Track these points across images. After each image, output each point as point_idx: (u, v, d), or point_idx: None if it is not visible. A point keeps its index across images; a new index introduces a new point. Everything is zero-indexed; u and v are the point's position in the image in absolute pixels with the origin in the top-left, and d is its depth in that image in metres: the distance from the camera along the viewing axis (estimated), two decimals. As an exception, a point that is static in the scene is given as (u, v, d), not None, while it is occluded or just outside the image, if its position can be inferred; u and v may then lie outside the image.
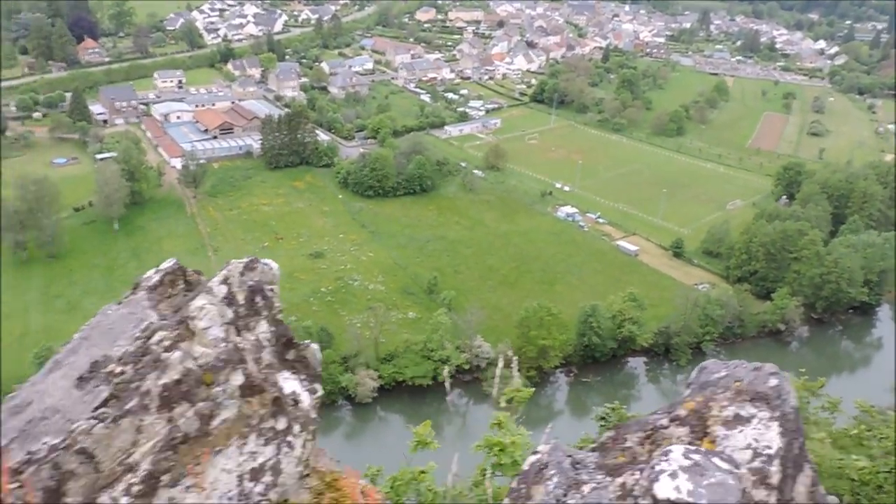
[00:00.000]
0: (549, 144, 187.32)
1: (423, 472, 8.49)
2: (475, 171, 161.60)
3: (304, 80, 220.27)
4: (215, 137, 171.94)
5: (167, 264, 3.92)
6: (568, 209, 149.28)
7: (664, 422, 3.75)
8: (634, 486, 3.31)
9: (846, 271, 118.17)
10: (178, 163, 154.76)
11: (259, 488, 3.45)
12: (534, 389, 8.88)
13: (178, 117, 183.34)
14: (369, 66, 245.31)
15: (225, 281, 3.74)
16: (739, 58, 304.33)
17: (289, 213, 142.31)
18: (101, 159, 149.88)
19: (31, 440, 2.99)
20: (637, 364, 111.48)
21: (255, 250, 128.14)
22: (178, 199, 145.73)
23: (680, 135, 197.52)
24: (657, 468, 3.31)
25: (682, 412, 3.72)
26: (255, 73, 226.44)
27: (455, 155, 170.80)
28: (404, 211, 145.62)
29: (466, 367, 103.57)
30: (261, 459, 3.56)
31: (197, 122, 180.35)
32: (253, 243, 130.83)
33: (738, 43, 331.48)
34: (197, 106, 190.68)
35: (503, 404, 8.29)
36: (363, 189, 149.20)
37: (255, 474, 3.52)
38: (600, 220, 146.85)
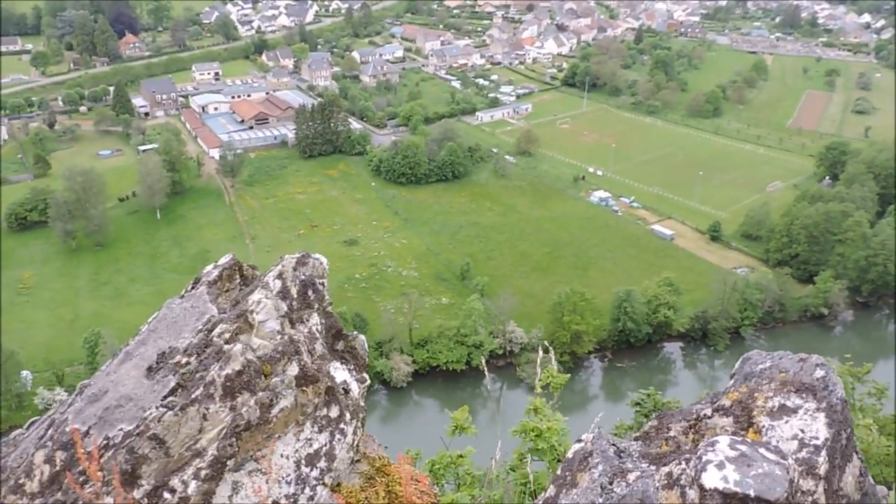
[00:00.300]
0: (581, 129, 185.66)
1: (461, 455, 8.51)
2: (507, 157, 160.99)
3: (335, 69, 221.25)
4: (251, 128, 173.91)
5: (224, 260, 4.13)
6: (601, 193, 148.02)
7: (707, 412, 3.83)
8: (681, 475, 3.32)
9: (893, 253, 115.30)
10: (216, 153, 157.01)
11: (315, 473, 3.62)
12: (569, 375, 8.93)
13: (216, 108, 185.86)
14: (399, 53, 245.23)
15: (280, 276, 3.95)
16: (779, 35, 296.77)
17: (323, 202, 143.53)
18: (144, 151, 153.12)
19: (108, 426, 3.19)
20: (673, 349, 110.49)
21: (291, 238, 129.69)
22: (217, 188, 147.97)
23: (717, 116, 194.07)
24: (704, 458, 3.31)
25: (726, 402, 3.76)
26: (289, 63, 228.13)
27: (486, 141, 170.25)
28: (436, 198, 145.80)
29: (500, 352, 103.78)
30: (316, 446, 3.73)
31: (233, 112, 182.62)
32: (288, 231, 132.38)
33: (777, 19, 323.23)
34: (233, 97, 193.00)
35: (539, 390, 8.35)
36: (395, 176, 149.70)
37: (311, 460, 3.69)
38: (634, 205, 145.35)
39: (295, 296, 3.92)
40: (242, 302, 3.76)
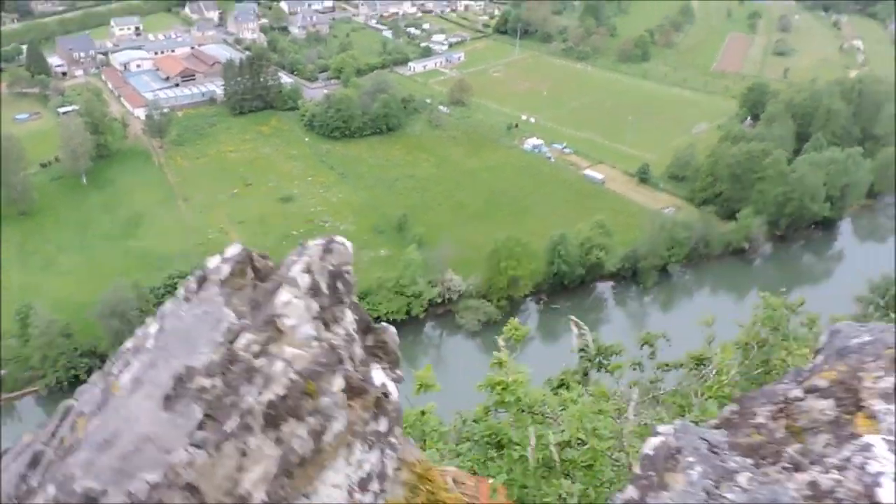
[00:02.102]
0: (513, 76, 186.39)
1: (423, 412, 8.44)
2: (441, 108, 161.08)
3: (263, 21, 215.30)
4: (177, 85, 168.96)
5: (233, 251, 3.36)
6: (534, 141, 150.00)
7: (797, 393, 3.28)
8: (836, 488, 2.76)
9: (809, 188, 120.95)
10: (141, 113, 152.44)
11: (368, 498, 3.16)
12: (529, 328, 9.35)
13: (139, 66, 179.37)
14: (329, 3, 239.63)
15: (307, 269, 3.27)
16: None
17: (256, 159, 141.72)
18: (64, 113, 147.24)
19: (128, 479, 2.58)
20: (605, 289, 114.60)
21: (225, 198, 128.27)
22: (145, 149, 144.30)
23: (645, 60, 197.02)
24: (870, 468, 2.76)
25: (820, 382, 3.22)
26: (214, 16, 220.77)
27: (420, 91, 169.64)
28: (371, 151, 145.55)
29: (439, 300, 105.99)
30: (367, 467, 3.21)
31: (158, 69, 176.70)
32: (222, 191, 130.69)
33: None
34: (157, 53, 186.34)
35: (502, 344, 8.34)
36: (329, 131, 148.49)
37: (364, 484, 3.17)
38: (567, 151, 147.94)
39: (326, 291, 3.28)
40: (266, 303, 3.13)
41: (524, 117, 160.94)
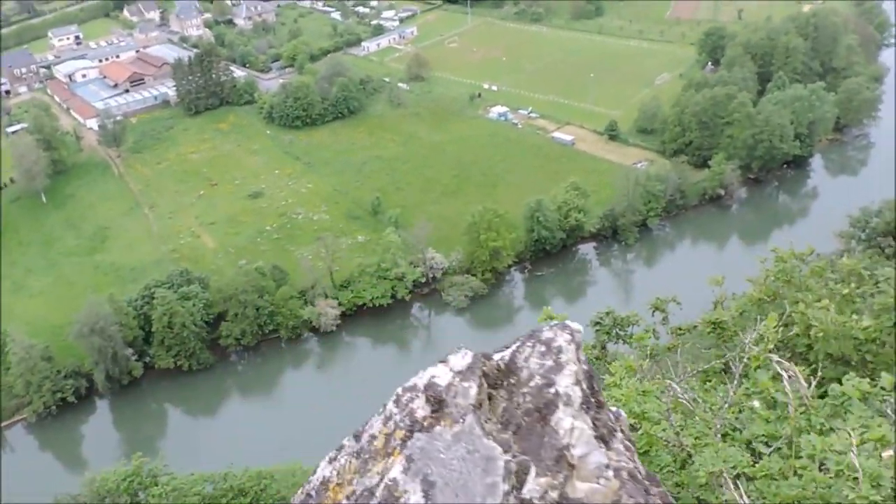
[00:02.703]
0: (469, 45, 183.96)
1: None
2: (400, 85, 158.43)
3: (206, 16, 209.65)
4: (127, 91, 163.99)
5: (463, 360, 2.83)
6: (499, 109, 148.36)
7: None
8: None
9: (777, 128, 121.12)
10: (93, 123, 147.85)
11: None
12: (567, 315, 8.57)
13: (84, 75, 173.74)
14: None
15: (576, 379, 2.75)
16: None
17: (218, 158, 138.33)
18: (13, 132, 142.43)
19: None
20: (587, 250, 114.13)
21: (192, 201, 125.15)
22: (103, 160, 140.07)
23: (599, 16, 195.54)
24: None
25: None
26: (154, 16, 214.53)
27: (377, 71, 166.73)
28: (335, 137, 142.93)
29: (423, 280, 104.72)
30: None
31: (104, 77, 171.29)
32: (187, 194, 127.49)
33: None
34: (101, 60, 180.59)
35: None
36: (290, 121, 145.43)
37: None
38: (532, 115, 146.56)
39: (592, 399, 2.83)
40: (545, 430, 2.59)
41: (486, 86, 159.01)
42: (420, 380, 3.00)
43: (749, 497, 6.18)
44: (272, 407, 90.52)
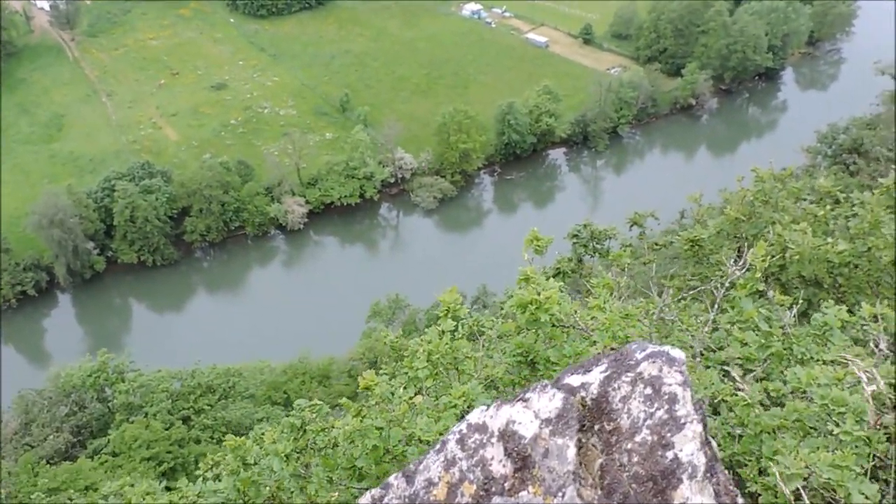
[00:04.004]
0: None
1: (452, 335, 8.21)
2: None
3: None
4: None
5: (552, 403, 2.38)
6: (472, 6, 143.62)
7: None
8: None
9: (751, 38, 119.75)
10: (44, 3, 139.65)
11: None
12: (553, 237, 8.50)
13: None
14: None
15: (700, 442, 2.29)
16: None
17: (180, 46, 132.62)
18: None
19: None
20: (557, 156, 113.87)
21: (152, 90, 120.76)
22: (56, 43, 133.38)
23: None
24: None
25: None
26: None
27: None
28: (302, 28, 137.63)
29: (392, 180, 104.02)
30: None
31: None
32: (148, 83, 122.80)
33: None
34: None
35: (525, 256, 7.89)
36: (255, 9, 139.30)
37: None
38: (507, 15, 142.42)
39: (715, 464, 2.45)
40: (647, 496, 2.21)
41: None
42: (492, 420, 2.42)
43: (729, 423, 6.41)
44: (239, 304, 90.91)
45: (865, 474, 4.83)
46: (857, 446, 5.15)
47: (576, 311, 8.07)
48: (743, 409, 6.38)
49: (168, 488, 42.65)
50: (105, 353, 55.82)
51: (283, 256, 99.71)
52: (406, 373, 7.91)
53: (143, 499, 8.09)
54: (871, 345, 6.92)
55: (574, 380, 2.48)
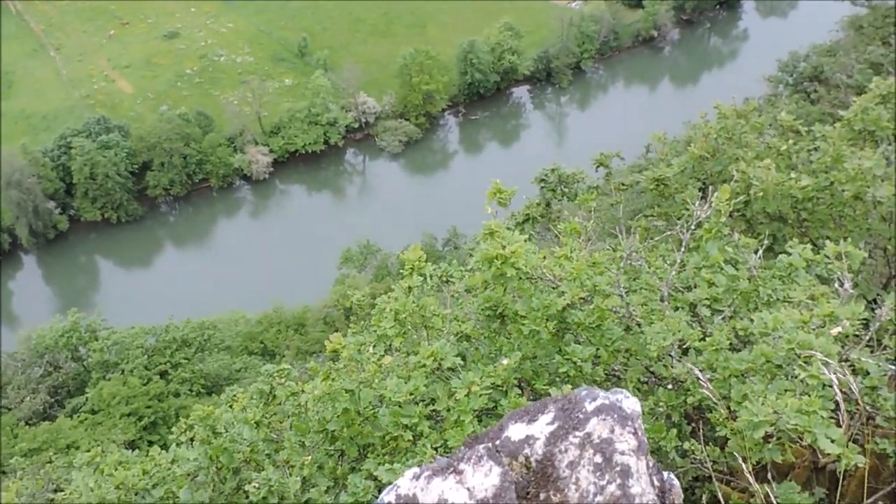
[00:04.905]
0: None
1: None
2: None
3: None
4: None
5: (487, 480, 2.17)
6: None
7: None
8: None
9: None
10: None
11: None
12: (517, 188, 8.35)
13: None
14: None
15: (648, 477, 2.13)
16: None
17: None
18: None
19: None
20: (521, 93, 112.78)
21: (102, 41, 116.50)
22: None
23: None
24: None
25: None
26: None
27: None
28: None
29: (355, 125, 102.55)
30: None
31: None
32: (96, 34, 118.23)
33: None
34: None
35: (489, 209, 7.77)
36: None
37: None
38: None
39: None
40: None
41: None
42: (423, 494, 2.11)
43: (698, 367, 6.44)
44: (208, 257, 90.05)
45: (832, 418, 4.88)
46: (822, 388, 5.20)
47: (543, 259, 8.02)
48: (712, 353, 6.41)
49: (150, 442, 42.91)
50: (75, 312, 55.17)
51: (249, 207, 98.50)
52: (375, 331, 7.83)
53: (115, 469, 7.98)
54: (836, 284, 6.96)
55: (517, 431, 2.26)
